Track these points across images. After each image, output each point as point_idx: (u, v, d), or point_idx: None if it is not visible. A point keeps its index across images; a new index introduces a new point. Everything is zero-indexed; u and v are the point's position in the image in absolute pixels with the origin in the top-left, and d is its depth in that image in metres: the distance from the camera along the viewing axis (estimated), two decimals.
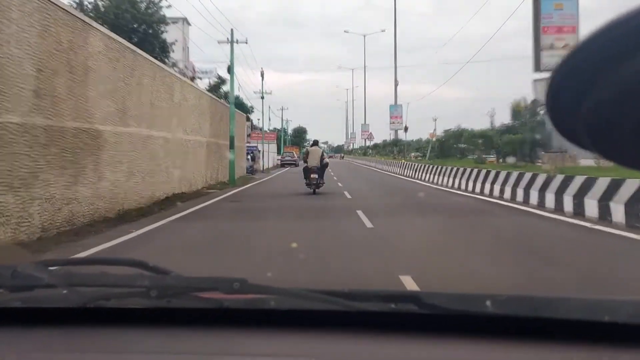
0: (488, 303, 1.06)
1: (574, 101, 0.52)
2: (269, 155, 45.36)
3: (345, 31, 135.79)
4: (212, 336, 1.10)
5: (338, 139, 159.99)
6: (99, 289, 1.15)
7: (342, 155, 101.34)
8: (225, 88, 26.74)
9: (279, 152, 58.14)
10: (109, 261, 1.32)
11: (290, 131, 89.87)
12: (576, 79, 0.51)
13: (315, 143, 17.05)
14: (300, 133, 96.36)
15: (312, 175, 14.99)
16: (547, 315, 1.05)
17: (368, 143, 73.29)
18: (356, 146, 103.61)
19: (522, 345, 1.00)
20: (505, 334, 1.02)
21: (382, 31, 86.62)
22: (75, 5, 21.75)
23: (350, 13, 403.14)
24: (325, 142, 79.72)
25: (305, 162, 15.50)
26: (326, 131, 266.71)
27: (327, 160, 15.94)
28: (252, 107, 71.78)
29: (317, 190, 14.84)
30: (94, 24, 9.53)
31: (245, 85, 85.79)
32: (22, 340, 1.10)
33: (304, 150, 19.93)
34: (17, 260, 1.78)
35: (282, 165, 50.79)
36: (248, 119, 55.08)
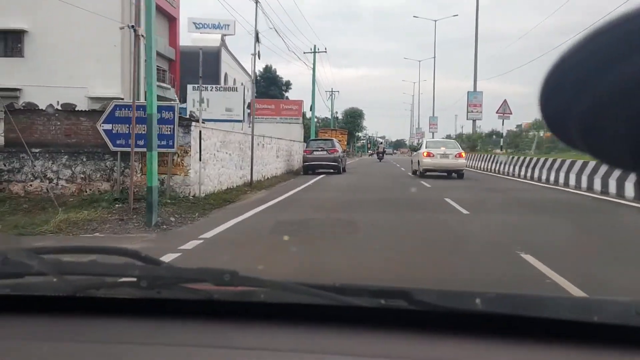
0: (477, 301, 1.05)
1: (567, 103, 0.53)
2: (267, 151, 18.01)
3: (414, 16, 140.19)
4: (201, 328, 1.08)
5: (396, 134, 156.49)
6: (89, 277, 1.15)
7: (410, 150, 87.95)
8: None
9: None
10: (100, 250, 1.30)
11: (339, 115, 66.58)
12: (569, 82, 0.52)
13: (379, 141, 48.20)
14: (354, 117, 68.91)
15: (379, 154, 46.71)
16: (535, 315, 1.03)
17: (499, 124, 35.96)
18: (438, 136, 75.69)
19: (510, 344, 0.98)
20: (493, 332, 1.00)
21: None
22: None
23: (404, 9, 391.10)
24: (383, 137, 71.06)
25: (376, 151, 47.47)
26: (384, 126, 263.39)
27: (386, 150, 52.81)
28: (288, 82, 58.88)
29: (382, 160, 41.99)
30: None
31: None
32: (10, 328, 1.09)
33: (375, 146, 51.52)
34: (7, 247, 1.80)
35: (307, 169, 21.13)
36: None
